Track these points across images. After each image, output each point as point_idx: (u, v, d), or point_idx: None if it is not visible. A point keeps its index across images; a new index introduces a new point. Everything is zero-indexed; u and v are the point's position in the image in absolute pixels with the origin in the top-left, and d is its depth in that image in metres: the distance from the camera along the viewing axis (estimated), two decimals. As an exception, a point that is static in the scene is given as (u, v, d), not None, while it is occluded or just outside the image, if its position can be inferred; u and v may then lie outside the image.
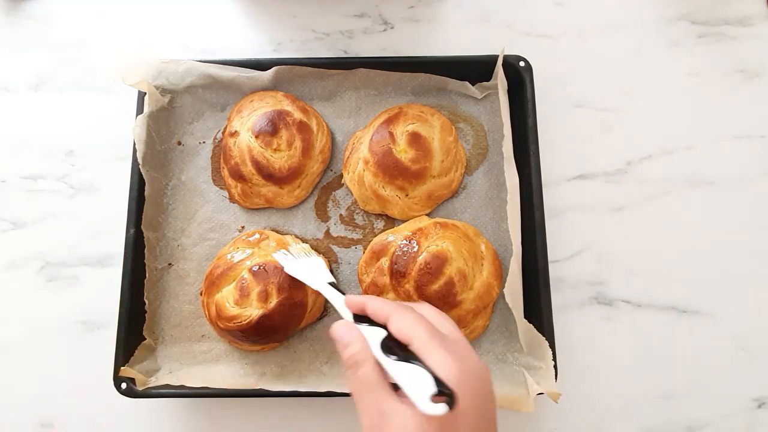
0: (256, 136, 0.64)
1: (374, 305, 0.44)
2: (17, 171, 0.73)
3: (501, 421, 0.62)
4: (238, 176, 0.65)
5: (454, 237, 0.61)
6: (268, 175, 0.64)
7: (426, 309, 0.44)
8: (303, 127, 0.65)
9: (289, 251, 0.62)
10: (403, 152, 0.64)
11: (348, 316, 0.46)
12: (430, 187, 0.65)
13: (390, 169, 0.63)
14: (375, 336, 0.41)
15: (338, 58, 0.75)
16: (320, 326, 0.64)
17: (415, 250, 0.60)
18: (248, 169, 0.65)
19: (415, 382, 0.36)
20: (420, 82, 0.70)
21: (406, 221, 0.66)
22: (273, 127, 0.64)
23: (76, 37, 0.77)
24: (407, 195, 0.65)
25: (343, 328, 0.43)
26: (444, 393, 0.35)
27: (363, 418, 0.38)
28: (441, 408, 0.34)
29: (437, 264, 0.59)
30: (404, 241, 0.61)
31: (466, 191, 0.68)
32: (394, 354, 0.39)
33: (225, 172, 0.68)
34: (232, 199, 0.68)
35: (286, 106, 0.67)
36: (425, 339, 0.39)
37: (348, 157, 0.68)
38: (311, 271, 0.59)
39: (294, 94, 0.70)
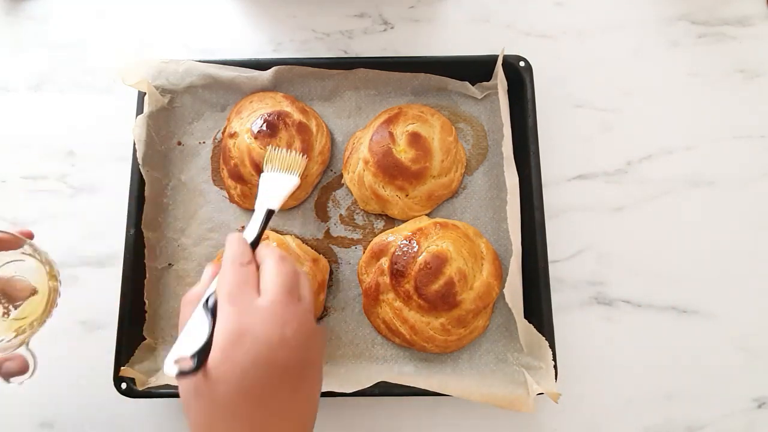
0: (255, 137, 0.64)
1: (226, 249, 0.45)
2: (17, 171, 0.72)
3: (501, 421, 0.63)
4: (238, 177, 0.65)
5: (454, 237, 0.61)
6: None
7: (265, 265, 0.42)
8: (302, 128, 0.65)
9: (276, 155, 0.61)
10: (403, 152, 0.64)
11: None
12: (430, 187, 0.65)
13: (390, 169, 0.63)
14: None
15: (338, 58, 0.75)
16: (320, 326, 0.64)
17: (415, 250, 0.60)
18: (247, 170, 0.65)
19: (190, 335, 0.38)
20: (420, 82, 0.70)
21: (406, 221, 0.66)
22: (272, 128, 0.64)
23: (76, 37, 0.77)
24: (407, 195, 0.65)
25: (206, 269, 0.46)
26: (198, 355, 0.36)
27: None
28: (172, 369, 0.36)
29: (437, 264, 0.59)
30: (404, 241, 0.61)
31: (466, 191, 0.68)
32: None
33: (224, 173, 0.68)
34: (231, 200, 0.68)
35: (286, 107, 0.67)
36: (223, 299, 0.39)
37: (348, 157, 0.68)
38: (272, 189, 0.58)
39: (294, 95, 0.70)
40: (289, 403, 0.38)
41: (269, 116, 0.65)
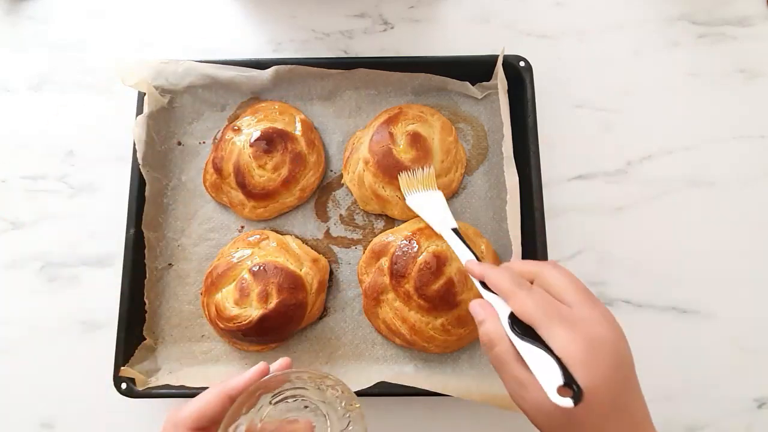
0: (251, 145, 0.64)
1: (493, 280, 0.44)
2: (17, 171, 0.73)
3: (501, 421, 0.63)
4: (218, 169, 0.66)
5: (454, 237, 0.61)
6: (242, 184, 0.65)
7: (548, 277, 0.42)
8: (297, 160, 0.65)
9: (408, 178, 0.61)
10: (403, 152, 0.64)
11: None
12: None
13: (390, 169, 0.63)
14: (504, 309, 0.42)
15: (338, 58, 0.75)
16: (320, 326, 0.64)
17: (415, 250, 0.60)
18: (228, 168, 0.65)
19: (543, 368, 0.37)
20: (420, 82, 0.70)
21: (406, 221, 0.66)
22: (269, 146, 0.65)
23: (76, 37, 0.77)
24: (407, 195, 0.65)
25: (477, 306, 0.44)
26: (570, 384, 0.35)
27: (506, 386, 0.41)
28: (567, 402, 0.35)
29: (437, 264, 0.59)
30: (404, 241, 0.61)
31: (466, 191, 0.68)
32: (521, 328, 0.40)
33: (210, 156, 0.68)
34: (203, 184, 0.68)
35: (297, 131, 0.67)
36: (545, 322, 0.38)
37: (348, 158, 0.68)
38: (434, 209, 0.60)
39: (294, 94, 0.70)
40: (637, 386, 0.40)
41: (273, 133, 0.65)
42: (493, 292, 0.45)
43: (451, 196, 0.68)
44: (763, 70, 0.74)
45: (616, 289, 0.67)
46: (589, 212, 0.70)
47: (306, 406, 0.43)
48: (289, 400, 0.43)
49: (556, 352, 0.37)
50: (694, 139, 0.72)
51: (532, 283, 0.43)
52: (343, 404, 0.43)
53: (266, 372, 0.45)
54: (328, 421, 0.42)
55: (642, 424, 0.38)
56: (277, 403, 0.43)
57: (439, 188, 0.65)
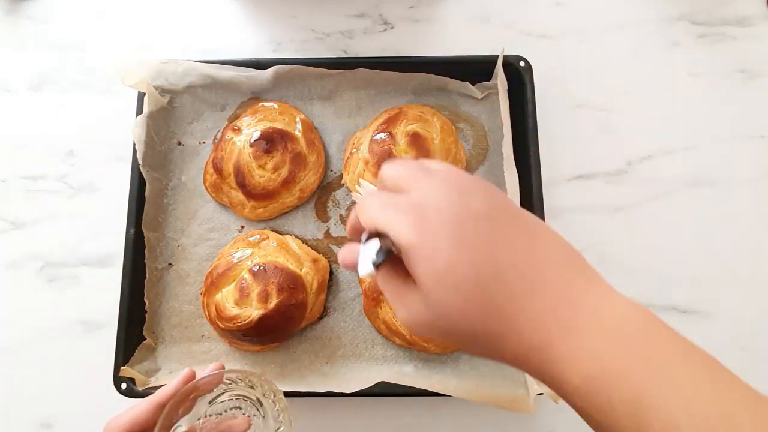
0: (251, 145, 0.64)
1: (351, 223, 0.36)
2: (17, 171, 0.73)
3: (501, 421, 0.62)
4: (218, 169, 0.66)
5: (454, 237, 0.61)
6: (242, 184, 0.64)
7: (382, 175, 0.34)
8: (297, 160, 0.65)
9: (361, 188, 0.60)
10: (404, 153, 0.64)
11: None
12: None
13: None
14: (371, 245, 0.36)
15: (338, 58, 0.75)
16: (320, 326, 0.64)
17: (415, 250, 0.60)
18: (228, 168, 0.65)
19: (367, 248, 0.33)
20: (420, 82, 0.70)
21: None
22: (269, 146, 0.64)
23: (76, 37, 0.77)
24: (407, 195, 0.65)
25: (343, 251, 0.36)
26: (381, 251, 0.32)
27: (395, 311, 0.33)
28: (368, 266, 0.32)
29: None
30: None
31: (466, 191, 0.68)
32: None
33: (210, 157, 0.68)
34: (204, 184, 0.68)
35: (297, 131, 0.67)
36: (381, 218, 0.32)
37: (348, 158, 0.68)
38: None
39: (294, 94, 0.70)
40: (523, 237, 0.32)
41: (273, 133, 0.65)
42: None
43: None
44: (763, 70, 0.74)
45: (616, 289, 0.67)
46: (589, 212, 0.70)
47: (241, 404, 0.46)
48: (225, 399, 0.45)
49: (394, 241, 0.31)
50: (694, 139, 0.72)
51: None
52: (272, 397, 0.45)
53: (192, 377, 0.46)
54: (263, 415, 0.45)
55: (558, 270, 0.31)
56: (213, 402, 0.45)
57: None
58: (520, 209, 0.33)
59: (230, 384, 0.45)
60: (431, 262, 0.29)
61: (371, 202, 0.33)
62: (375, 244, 0.33)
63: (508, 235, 0.31)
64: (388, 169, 0.34)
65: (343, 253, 0.36)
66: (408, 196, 0.32)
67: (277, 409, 0.45)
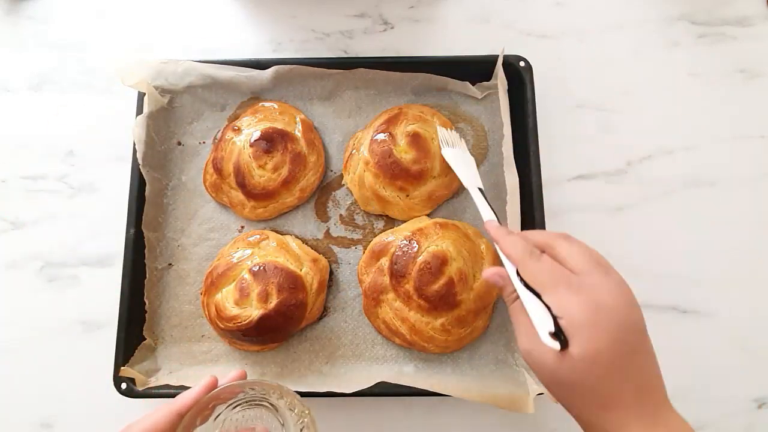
0: (251, 145, 0.64)
1: (505, 246, 0.45)
2: (17, 171, 0.73)
3: (501, 421, 0.62)
4: (218, 169, 0.66)
5: (454, 237, 0.61)
6: (242, 184, 0.65)
7: (558, 247, 0.42)
8: (297, 160, 0.65)
9: (446, 134, 0.64)
10: (404, 153, 0.64)
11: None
12: (431, 188, 0.65)
13: (390, 170, 0.63)
14: (513, 267, 0.44)
15: (338, 58, 0.75)
16: (320, 326, 0.64)
17: (415, 250, 0.60)
18: (228, 168, 0.65)
19: (539, 315, 0.39)
20: (420, 82, 0.70)
21: (406, 222, 0.66)
22: (269, 146, 0.65)
23: (76, 37, 0.77)
24: (408, 195, 0.65)
25: (495, 276, 0.45)
26: (558, 335, 0.37)
27: (518, 336, 0.42)
28: (555, 344, 0.37)
29: (437, 264, 0.59)
30: (404, 241, 0.61)
31: (466, 191, 0.68)
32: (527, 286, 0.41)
33: (210, 157, 0.68)
34: (203, 183, 0.68)
35: (297, 131, 0.67)
36: (549, 287, 0.39)
37: (348, 158, 0.68)
38: (466, 166, 0.62)
39: (294, 94, 0.71)
40: (648, 353, 0.40)
41: (273, 133, 0.65)
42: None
43: (452, 196, 0.68)
44: (763, 70, 0.74)
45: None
46: (589, 212, 0.70)
47: (263, 415, 0.45)
48: (245, 409, 0.45)
49: (554, 311, 0.38)
50: (694, 139, 0.72)
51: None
52: (296, 411, 0.44)
53: (215, 385, 0.46)
54: (284, 428, 0.44)
55: (651, 393, 0.38)
56: (233, 411, 0.44)
57: (441, 190, 0.66)
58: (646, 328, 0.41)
59: (253, 393, 0.44)
60: (589, 347, 0.37)
61: (537, 266, 0.41)
62: (547, 316, 0.39)
63: (643, 350, 0.39)
64: (565, 245, 0.42)
65: (495, 278, 0.45)
66: (581, 280, 0.39)
67: (301, 423, 0.43)
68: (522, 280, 0.42)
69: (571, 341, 0.37)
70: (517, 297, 0.42)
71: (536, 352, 0.39)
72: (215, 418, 0.44)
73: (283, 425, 0.44)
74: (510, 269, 0.43)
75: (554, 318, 0.38)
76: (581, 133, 0.72)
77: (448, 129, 0.66)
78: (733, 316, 0.66)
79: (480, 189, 0.59)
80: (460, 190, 0.68)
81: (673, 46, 0.75)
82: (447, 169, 0.66)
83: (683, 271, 0.67)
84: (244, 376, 0.47)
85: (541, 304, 0.39)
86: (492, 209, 0.56)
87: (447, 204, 0.68)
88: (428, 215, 0.67)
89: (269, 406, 0.45)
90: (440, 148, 0.65)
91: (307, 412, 0.44)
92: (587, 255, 0.41)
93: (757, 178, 0.70)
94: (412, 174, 0.64)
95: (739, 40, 0.75)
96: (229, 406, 0.44)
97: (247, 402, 0.45)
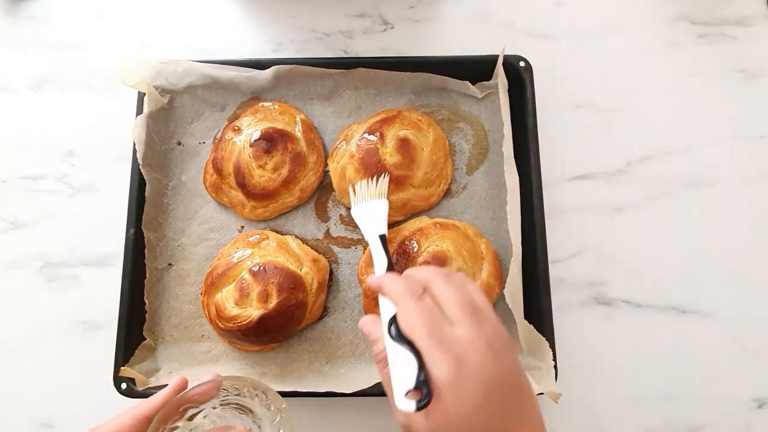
0: (251, 145, 0.64)
1: (386, 288, 0.43)
2: (17, 171, 0.73)
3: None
4: (218, 169, 0.66)
5: (454, 237, 0.61)
6: (242, 184, 0.64)
7: (434, 289, 0.41)
8: (297, 160, 0.65)
9: (363, 187, 0.61)
10: (389, 155, 0.64)
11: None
12: (408, 196, 0.65)
13: (371, 168, 0.63)
14: (388, 314, 0.42)
15: (338, 58, 0.75)
16: (320, 326, 0.64)
17: (415, 250, 0.60)
18: (228, 168, 0.65)
19: (402, 372, 0.38)
20: (420, 82, 0.70)
21: (405, 221, 0.66)
22: (269, 146, 0.64)
23: (76, 37, 0.77)
24: (383, 198, 0.64)
25: (369, 325, 0.44)
26: (421, 389, 0.36)
27: (390, 399, 0.40)
28: (410, 405, 0.36)
29: (437, 264, 0.59)
30: (404, 242, 0.61)
31: (466, 191, 0.68)
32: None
33: (210, 157, 0.68)
34: (203, 183, 0.68)
35: (297, 131, 0.67)
36: (422, 340, 0.38)
37: (337, 147, 0.67)
38: (372, 215, 0.59)
39: (294, 94, 0.70)
40: (523, 406, 0.39)
41: (273, 133, 0.65)
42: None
43: (428, 209, 0.67)
44: (763, 70, 0.74)
45: (616, 289, 0.67)
46: (589, 212, 0.70)
47: (236, 416, 0.43)
48: (219, 411, 0.43)
49: (427, 370, 0.37)
50: (694, 139, 0.72)
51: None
52: (272, 408, 0.43)
53: (184, 386, 0.44)
54: (262, 425, 0.43)
55: None
56: (208, 412, 0.43)
57: (417, 200, 0.65)
58: (523, 371, 0.40)
59: (226, 394, 0.43)
60: (455, 410, 0.36)
61: (414, 309, 0.39)
62: (410, 374, 0.37)
63: (515, 402, 0.38)
64: (441, 288, 0.41)
65: (368, 328, 0.44)
66: (452, 332, 0.38)
67: (278, 422, 0.43)
68: (392, 330, 0.40)
69: (437, 401, 0.36)
70: (386, 356, 0.40)
71: (401, 415, 0.38)
72: (190, 419, 0.42)
73: (260, 427, 0.43)
74: (384, 322, 0.42)
75: (425, 370, 0.37)
76: (581, 133, 0.72)
77: (365, 182, 0.62)
78: (733, 316, 0.66)
79: (382, 236, 0.56)
80: (460, 190, 0.68)
81: (673, 46, 0.75)
82: (429, 182, 0.65)
83: (683, 271, 0.67)
84: (219, 383, 0.45)
85: (412, 356, 0.38)
86: (389, 259, 0.53)
87: (447, 204, 0.68)
88: (427, 215, 0.66)
89: (243, 406, 0.43)
90: (353, 204, 0.62)
91: (283, 406, 0.43)
92: (460, 300, 0.40)
93: (757, 178, 0.70)
94: (391, 178, 0.63)
95: (739, 40, 0.75)
96: (201, 410, 0.43)
97: (220, 403, 0.43)
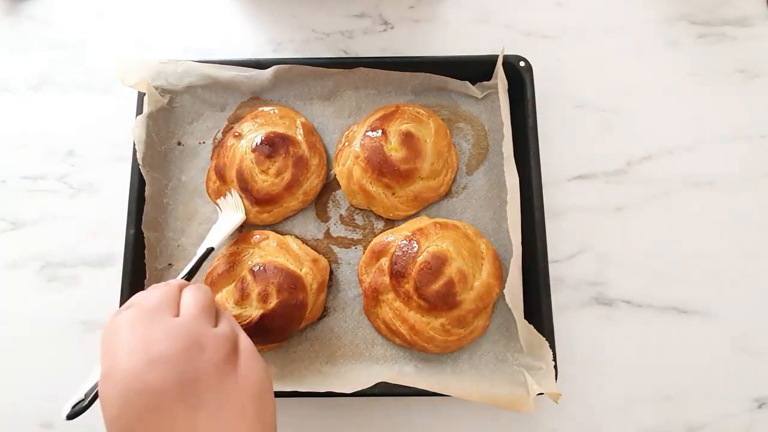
0: (253, 150, 0.64)
1: (141, 296, 0.45)
2: (17, 171, 0.73)
3: (501, 421, 0.62)
4: (221, 176, 0.66)
5: (454, 237, 0.61)
6: (245, 189, 0.64)
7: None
8: (299, 163, 0.65)
9: (224, 203, 0.65)
10: (394, 151, 0.64)
11: None
12: (418, 189, 0.65)
13: (379, 166, 0.63)
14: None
15: (338, 58, 0.75)
16: (320, 326, 0.64)
17: (415, 250, 0.60)
18: (231, 175, 0.65)
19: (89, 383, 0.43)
20: (420, 82, 0.70)
21: (402, 221, 0.66)
22: (271, 151, 0.64)
23: (76, 37, 0.77)
24: (394, 194, 0.65)
25: None
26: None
27: None
28: (65, 410, 0.41)
29: (437, 264, 0.59)
30: (404, 241, 0.61)
31: (466, 191, 0.68)
32: None
33: (212, 164, 0.68)
34: (207, 191, 0.68)
35: (298, 134, 0.67)
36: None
37: (340, 150, 0.67)
38: (220, 227, 0.62)
39: (294, 94, 0.70)
40: (186, 422, 0.35)
41: (275, 138, 0.65)
42: None
43: (440, 199, 0.67)
44: (763, 70, 0.74)
45: (616, 289, 0.67)
46: (589, 212, 0.70)
47: None
48: None
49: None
50: (694, 139, 0.72)
51: None
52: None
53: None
54: None
55: None
56: None
57: (427, 192, 0.65)
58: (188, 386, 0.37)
59: None
60: (104, 415, 0.37)
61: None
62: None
63: (156, 412, 0.36)
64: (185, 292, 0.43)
65: None
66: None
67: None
68: None
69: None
70: None
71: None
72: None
73: None
74: None
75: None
76: (581, 133, 0.72)
77: (224, 197, 0.65)
78: (733, 316, 0.66)
79: (210, 249, 0.59)
80: (460, 190, 0.68)
81: (673, 46, 0.75)
82: (436, 173, 0.65)
83: (683, 271, 0.67)
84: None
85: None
86: (191, 271, 0.55)
87: (447, 204, 0.68)
88: (428, 215, 0.67)
89: None
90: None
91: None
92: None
93: (757, 178, 0.70)
94: (400, 173, 0.63)
95: (739, 40, 0.75)
96: None
97: None
